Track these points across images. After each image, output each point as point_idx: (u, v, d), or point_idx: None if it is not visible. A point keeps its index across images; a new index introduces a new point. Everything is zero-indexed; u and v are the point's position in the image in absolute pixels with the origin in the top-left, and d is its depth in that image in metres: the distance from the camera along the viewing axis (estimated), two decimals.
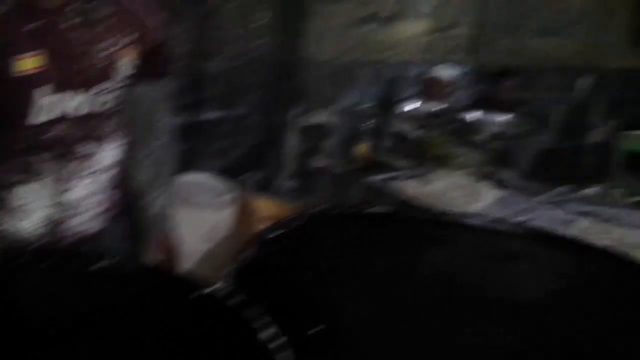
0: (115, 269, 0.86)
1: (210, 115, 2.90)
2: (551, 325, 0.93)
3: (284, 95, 3.08)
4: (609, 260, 1.11)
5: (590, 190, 2.29)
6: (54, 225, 1.18)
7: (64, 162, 1.13)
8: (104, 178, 1.21)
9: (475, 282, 1.06)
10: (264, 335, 0.68)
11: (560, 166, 5.19)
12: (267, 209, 2.61)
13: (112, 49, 1.09)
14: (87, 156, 1.15)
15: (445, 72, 3.38)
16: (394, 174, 2.30)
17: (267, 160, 3.13)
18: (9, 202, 1.14)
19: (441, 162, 2.37)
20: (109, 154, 1.20)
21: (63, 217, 1.17)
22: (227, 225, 2.53)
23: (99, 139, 1.16)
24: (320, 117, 3.14)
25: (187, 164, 2.75)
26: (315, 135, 3.12)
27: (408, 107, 2.69)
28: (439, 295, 1.00)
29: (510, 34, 4.39)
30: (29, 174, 1.12)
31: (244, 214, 2.70)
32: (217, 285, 0.79)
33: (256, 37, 2.97)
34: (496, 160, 2.49)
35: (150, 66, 1.18)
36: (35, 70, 1.00)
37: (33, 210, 1.16)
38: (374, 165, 2.38)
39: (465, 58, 4.13)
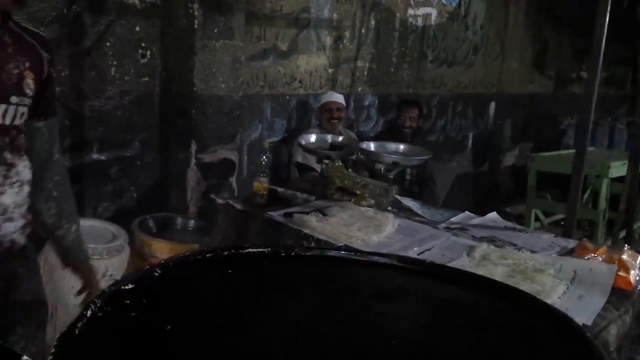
0: None
1: (98, 156, 2.72)
2: None
3: (180, 133, 2.95)
4: (483, 288, 1.07)
5: (491, 215, 2.29)
6: None
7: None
8: (25, 191, 1.36)
9: (350, 325, 0.99)
10: None
11: (477, 190, 5.35)
12: (167, 251, 2.46)
13: (19, 69, 1.28)
14: (10, 165, 1.32)
15: (336, 96, 3.41)
16: (296, 208, 2.21)
17: (166, 200, 2.97)
18: None
19: (344, 193, 2.31)
20: (26, 168, 1.36)
21: None
22: (120, 273, 2.36)
23: (19, 150, 1.33)
24: (221, 152, 3.03)
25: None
26: (216, 171, 3.00)
27: (309, 139, 2.63)
28: (308, 341, 0.91)
29: (411, 64, 4.50)
30: None
31: (141, 259, 2.53)
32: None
33: (141, 75, 2.84)
34: (404, 189, 2.46)
35: (45, 102, 1.38)
36: None
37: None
38: (276, 200, 2.28)
39: (368, 89, 4.18)
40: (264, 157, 2.46)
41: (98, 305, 0.95)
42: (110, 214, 2.74)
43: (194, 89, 2.90)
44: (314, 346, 1.00)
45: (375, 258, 1.25)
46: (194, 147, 2.94)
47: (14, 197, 1.33)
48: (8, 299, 1.41)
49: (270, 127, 3.51)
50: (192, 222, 2.83)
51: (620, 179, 4.24)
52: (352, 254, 1.27)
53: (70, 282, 2.00)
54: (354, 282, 1.20)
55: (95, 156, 2.70)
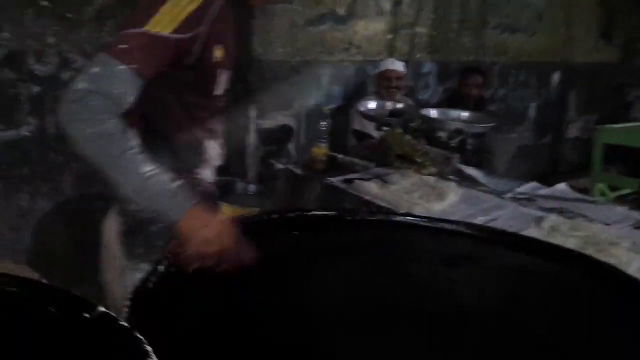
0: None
1: None
2: (499, 333, 0.83)
3: (239, 98, 2.96)
4: (561, 258, 1.02)
5: (560, 186, 2.20)
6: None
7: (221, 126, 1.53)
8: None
9: (418, 291, 0.96)
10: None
11: (538, 163, 5.18)
12: (228, 214, 2.49)
13: None
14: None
15: (396, 64, 3.31)
16: (355, 175, 2.19)
17: (226, 164, 3.00)
18: (200, 153, 1.45)
19: (404, 161, 2.27)
20: None
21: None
22: None
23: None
24: (279, 118, 3.03)
25: None
26: (274, 137, 3.01)
27: (368, 106, 2.59)
28: (374, 308, 0.90)
29: (472, 31, 4.35)
30: (211, 132, 1.47)
31: None
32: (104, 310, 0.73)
33: None
34: (463, 158, 2.40)
35: None
36: (220, 58, 1.29)
37: (212, 159, 1.51)
38: (334, 166, 2.26)
39: (427, 56, 4.07)
40: (323, 123, 2.44)
41: (171, 260, 0.96)
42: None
43: (253, 54, 2.89)
44: (382, 312, 0.98)
45: (443, 224, 1.22)
46: (253, 113, 2.95)
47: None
48: None
49: (328, 94, 3.48)
50: (251, 187, 2.86)
51: None
52: (419, 219, 1.24)
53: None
54: (421, 248, 1.18)
55: None
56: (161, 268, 0.93)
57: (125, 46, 1.11)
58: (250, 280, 0.98)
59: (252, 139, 3.00)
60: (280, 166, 2.45)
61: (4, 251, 2.33)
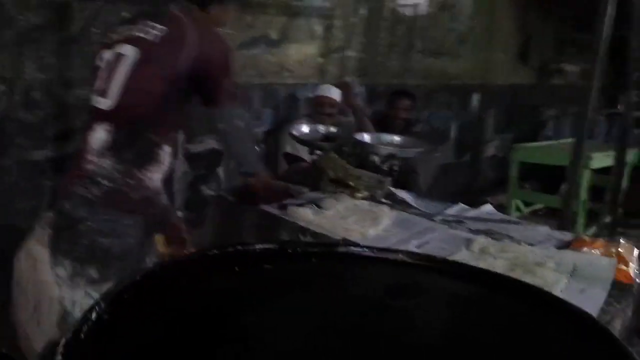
0: None
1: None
2: None
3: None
4: (502, 286, 1.05)
5: (486, 207, 2.28)
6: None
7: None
8: None
9: (364, 324, 0.95)
10: None
11: (459, 180, 5.36)
12: (161, 244, 2.40)
13: None
14: None
15: (332, 92, 3.34)
16: (289, 200, 2.16)
17: None
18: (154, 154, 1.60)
19: (338, 185, 2.28)
20: None
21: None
22: None
23: None
24: (208, 142, 2.96)
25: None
26: (203, 162, 2.94)
27: (301, 129, 2.59)
28: (320, 344, 0.88)
29: (399, 54, 4.47)
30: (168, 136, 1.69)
31: None
32: None
33: None
34: (393, 181, 2.43)
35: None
36: None
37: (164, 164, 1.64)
38: (267, 192, 2.23)
39: (357, 79, 4.14)
40: (257, 146, 2.41)
41: (102, 307, 0.90)
42: None
43: None
44: (329, 350, 0.96)
45: (384, 253, 1.22)
46: (181, 137, 2.86)
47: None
48: None
49: (258, 117, 3.45)
50: (179, 214, 2.76)
51: (600, 170, 4.28)
52: (362, 249, 1.23)
53: (54, 275, 1.93)
54: (365, 278, 1.17)
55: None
56: (93, 316, 0.87)
57: None
58: (189, 321, 0.93)
59: (179, 164, 2.91)
60: (210, 192, 2.39)
61: None
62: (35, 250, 1.91)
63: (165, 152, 1.64)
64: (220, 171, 3.03)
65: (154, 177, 1.61)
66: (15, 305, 1.51)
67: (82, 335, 0.82)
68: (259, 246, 1.20)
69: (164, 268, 1.10)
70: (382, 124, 3.52)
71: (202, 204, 2.68)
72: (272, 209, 2.07)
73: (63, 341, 0.78)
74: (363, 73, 4.17)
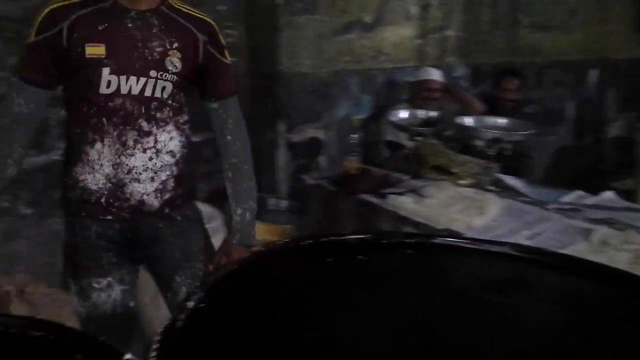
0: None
1: (193, 138, 2.74)
2: None
3: (267, 113, 2.92)
4: (623, 283, 0.93)
5: (607, 194, 2.08)
6: (116, 184, 1.42)
7: (125, 129, 1.39)
8: (166, 160, 1.44)
9: (461, 322, 0.89)
10: None
11: (579, 165, 5.01)
12: (262, 232, 2.46)
13: (162, 48, 1.39)
14: (148, 132, 1.40)
15: (435, 74, 3.21)
16: (389, 188, 2.11)
17: (257, 181, 2.96)
18: (86, 156, 1.41)
19: (440, 172, 2.19)
20: (169, 141, 1.44)
21: (123, 179, 1.41)
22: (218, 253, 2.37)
23: (157, 121, 1.42)
24: (309, 132, 2.97)
25: None
26: (305, 151, 2.95)
27: (400, 115, 2.51)
28: (414, 341, 0.83)
29: (503, 31, 4.22)
30: (101, 134, 1.39)
31: None
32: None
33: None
34: (501, 166, 2.30)
35: (212, 83, 1.48)
36: (99, 56, 1.34)
37: (101, 165, 1.41)
38: (367, 181, 2.19)
39: (459, 60, 3.96)
40: (353, 135, 2.37)
41: (200, 295, 0.91)
42: (205, 194, 2.75)
43: (279, 67, 2.84)
44: (421, 348, 0.90)
45: (487, 245, 1.14)
46: (282, 127, 2.90)
47: (145, 161, 1.42)
48: (153, 253, 1.54)
49: (358, 104, 3.41)
50: (283, 203, 2.80)
51: None
52: (461, 241, 1.16)
53: None
54: (464, 272, 1.10)
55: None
56: (191, 304, 0.88)
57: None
58: (282, 312, 0.92)
59: (281, 153, 2.95)
60: (311, 181, 2.39)
61: (38, 275, 2.33)
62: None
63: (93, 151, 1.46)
64: (322, 159, 3.03)
65: (88, 177, 1.48)
66: (139, 289, 1.61)
67: (180, 324, 0.83)
68: (353, 236, 1.17)
69: (260, 257, 1.10)
70: (489, 106, 3.35)
71: (304, 192, 2.69)
72: (371, 198, 2.03)
73: (161, 329, 0.80)
74: (465, 53, 3.99)
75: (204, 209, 2.52)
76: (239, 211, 1.58)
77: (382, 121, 3.14)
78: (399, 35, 3.55)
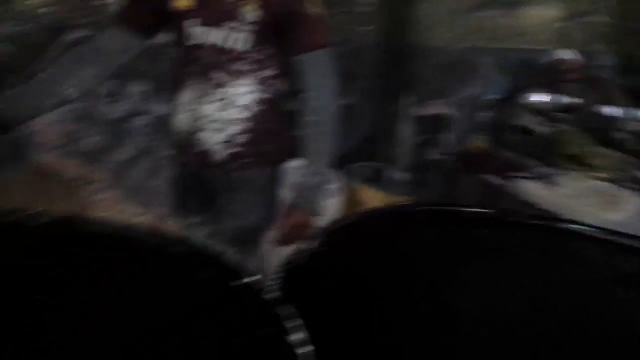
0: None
1: None
2: None
3: (395, 85, 2.91)
4: None
5: None
6: (191, 131, 1.44)
7: (201, 80, 1.41)
8: (235, 113, 1.42)
9: (584, 313, 0.85)
10: (293, 337, 0.65)
11: None
12: (376, 200, 2.49)
13: None
14: (219, 84, 1.40)
15: (573, 56, 2.99)
16: (516, 172, 2.04)
17: (377, 151, 2.98)
18: (175, 101, 1.47)
19: (573, 162, 2.07)
20: (242, 94, 1.41)
21: (196, 126, 1.44)
22: (333, 214, 2.44)
23: (231, 73, 1.40)
24: (436, 107, 2.93)
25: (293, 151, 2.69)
26: (429, 126, 2.92)
27: (535, 99, 2.40)
28: (527, 327, 0.80)
29: None
30: (184, 81, 1.44)
31: (351, 205, 2.59)
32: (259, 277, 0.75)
33: (363, 24, 2.83)
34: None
35: (296, 36, 1.39)
36: (185, 8, 1.38)
37: (181, 110, 1.46)
38: (493, 162, 2.13)
39: (605, 48, 3.67)
40: (483, 114, 2.30)
41: (321, 240, 0.96)
42: None
43: (413, 39, 2.81)
44: (533, 336, 0.87)
45: (620, 237, 1.08)
46: (408, 100, 2.88)
47: (214, 112, 1.41)
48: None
49: (489, 83, 3.29)
50: (402, 175, 2.81)
51: None
52: (592, 229, 1.11)
53: None
54: (592, 262, 1.05)
55: None
56: (312, 246, 0.94)
57: None
58: (392, 270, 0.95)
59: (405, 126, 2.93)
60: (434, 157, 2.37)
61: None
62: None
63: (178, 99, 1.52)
64: (445, 137, 2.98)
65: (175, 118, 1.55)
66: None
67: (300, 262, 0.88)
68: (476, 209, 1.16)
69: (381, 214, 1.12)
70: (634, 98, 3.09)
71: (425, 167, 2.68)
72: (495, 179, 1.98)
73: (283, 262, 0.86)
74: (613, 41, 3.69)
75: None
76: (308, 174, 1.45)
77: (514, 103, 3.01)
78: (542, 15, 3.37)
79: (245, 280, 0.75)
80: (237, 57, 1.39)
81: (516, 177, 1.95)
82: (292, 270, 0.82)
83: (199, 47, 1.40)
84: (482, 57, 3.25)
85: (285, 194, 1.66)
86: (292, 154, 1.52)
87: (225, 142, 1.44)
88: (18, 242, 0.82)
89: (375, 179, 2.80)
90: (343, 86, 2.90)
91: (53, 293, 0.72)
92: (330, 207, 2.45)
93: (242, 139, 1.44)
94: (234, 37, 1.38)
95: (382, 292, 0.93)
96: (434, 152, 2.59)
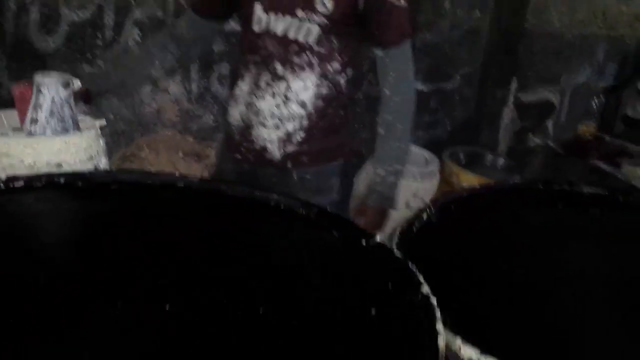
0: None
1: (421, 87, 2.84)
2: None
3: (502, 70, 2.88)
4: None
5: None
6: (246, 125, 1.37)
7: (262, 69, 1.33)
8: (295, 108, 1.33)
9: None
10: (424, 289, 0.70)
11: None
12: (474, 185, 2.49)
13: None
14: (281, 77, 1.32)
15: None
16: (624, 159, 2.00)
17: (478, 135, 2.98)
18: (233, 90, 1.39)
19: None
20: (304, 89, 1.32)
21: (252, 120, 1.36)
22: (429, 196, 2.48)
23: (295, 66, 1.31)
24: (541, 93, 2.88)
25: None
26: (533, 113, 2.88)
27: None
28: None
29: None
30: (245, 70, 1.36)
31: (449, 187, 2.62)
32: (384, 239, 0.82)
33: (472, 10, 2.81)
34: None
35: (377, 28, 1.29)
36: None
37: (238, 102, 1.38)
38: (601, 148, 2.10)
39: None
40: (594, 101, 2.25)
41: (431, 210, 1.03)
42: (423, 142, 2.86)
43: (525, 24, 2.77)
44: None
45: None
46: (514, 86, 2.85)
47: (272, 107, 1.34)
48: None
49: (600, 71, 3.18)
50: (501, 160, 2.79)
51: None
52: None
53: None
54: None
55: (419, 86, 2.83)
56: (424, 216, 1.00)
57: None
58: (500, 245, 0.99)
59: (508, 112, 2.91)
60: (537, 142, 2.35)
61: None
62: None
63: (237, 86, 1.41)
64: (549, 124, 2.93)
65: (231, 110, 1.43)
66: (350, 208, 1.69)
67: (414, 228, 0.96)
68: (587, 189, 1.18)
69: (491, 191, 1.17)
70: None
71: (525, 153, 2.66)
72: (603, 165, 1.95)
73: (399, 229, 0.94)
74: None
75: (423, 153, 2.64)
76: (382, 172, 1.38)
77: (626, 92, 2.90)
78: None
79: (377, 239, 0.84)
80: (302, 49, 1.30)
81: (624, 163, 1.91)
82: (407, 236, 0.90)
83: (263, 35, 1.31)
84: (595, 44, 3.14)
85: (360, 191, 1.66)
86: (358, 152, 1.48)
87: (282, 139, 1.36)
88: (177, 201, 0.96)
89: (475, 164, 2.81)
90: (447, 70, 2.93)
91: (206, 244, 0.84)
92: (429, 189, 2.49)
93: (301, 136, 1.36)
94: (301, 28, 1.29)
95: (488, 262, 0.98)
96: (538, 138, 2.56)
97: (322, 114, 1.35)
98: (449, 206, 1.06)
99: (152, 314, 0.65)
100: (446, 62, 2.87)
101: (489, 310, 0.79)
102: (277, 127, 1.35)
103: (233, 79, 1.43)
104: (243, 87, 1.37)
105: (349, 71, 1.36)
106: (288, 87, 1.32)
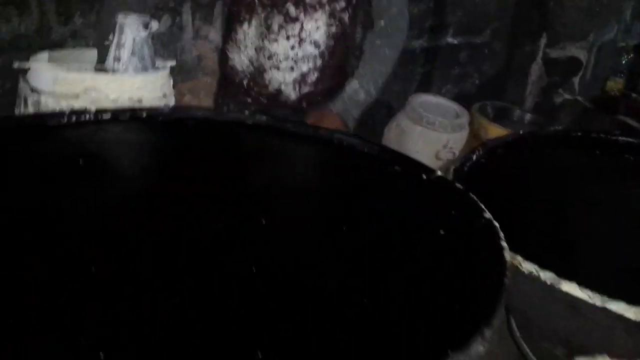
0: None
1: (451, 40, 2.87)
2: None
3: (531, 25, 2.90)
4: None
5: None
6: (258, 69, 1.37)
7: (273, 12, 1.31)
8: (308, 51, 1.34)
9: None
10: (486, 215, 0.77)
11: None
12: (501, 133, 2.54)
13: None
14: (292, 19, 1.31)
15: None
16: None
17: (507, 90, 3.03)
18: (235, 35, 1.37)
19: None
20: (317, 30, 1.33)
21: (264, 64, 1.35)
22: (459, 148, 2.55)
23: (306, 6, 1.30)
24: (569, 50, 2.90)
25: (424, 85, 2.80)
26: (562, 68, 2.91)
27: None
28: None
29: None
30: (251, 14, 1.32)
31: (477, 140, 2.68)
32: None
33: None
34: None
35: None
36: None
37: (244, 46, 1.36)
38: (629, 104, 2.16)
39: None
40: (623, 57, 2.29)
41: (480, 152, 1.12)
42: (452, 96, 2.91)
43: None
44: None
45: None
46: (543, 41, 2.88)
47: (286, 49, 1.34)
48: None
49: (627, 30, 3.18)
50: (528, 116, 2.84)
51: None
52: None
53: (416, 146, 2.28)
54: None
55: (449, 40, 2.87)
56: (474, 157, 1.09)
57: None
58: (540, 188, 1.07)
59: (536, 67, 2.95)
60: (567, 97, 2.40)
61: None
62: (404, 123, 2.31)
63: (239, 32, 1.37)
64: (576, 81, 2.96)
65: (232, 54, 1.40)
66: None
67: (465, 168, 1.05)
68: (622, 138, 1.27)
69: (534, 137, 1.26)
70: None
71: (553, 109, 2.71)
72: (631, 121, 2.02)
73: (453, 167, 1.03)
74: None
75: (453, 106, 2.69)
76: (355, 86, 1.40)
77: None
78: None
79: (438, 173, 0.93)
80: None
81: None
82: (460, 174, 1.00)
83: None
84: (624, 2, 3.14)
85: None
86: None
87: (298, 80, 1.37)
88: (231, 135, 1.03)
89: (503, 118, 2.86)
90: (478, 25, 2.95)
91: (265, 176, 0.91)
92: (459, 141, 2.56)
93: (315, 76, 1.38)
94: None
95: (531, 196, 1.07)
96: (566, 94, 2.61)
97: (332, 52, 1.38)
98: (495, 149, 1.15)
99: (232, 242, 0.70)
100: (477, 16, 2.90)
101: (535, 237, 0.89)
102: (291, 69, 1.36)
103: (229, 24, 1.40)
104: (249, 31, 1.34)
105: (351, 9, 1.38)
106: (302, 28, 1.32)
